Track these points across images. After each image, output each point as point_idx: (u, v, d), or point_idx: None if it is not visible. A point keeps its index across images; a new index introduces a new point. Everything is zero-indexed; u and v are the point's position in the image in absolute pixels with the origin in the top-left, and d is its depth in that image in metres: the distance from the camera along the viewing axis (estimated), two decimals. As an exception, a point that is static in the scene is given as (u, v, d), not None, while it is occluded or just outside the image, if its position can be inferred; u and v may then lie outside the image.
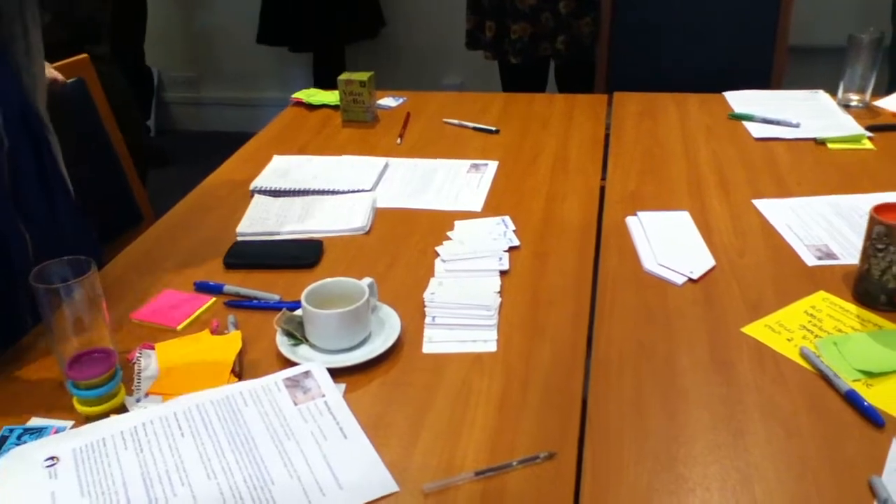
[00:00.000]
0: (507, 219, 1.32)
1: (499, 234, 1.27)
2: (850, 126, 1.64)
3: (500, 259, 1.20)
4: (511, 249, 1.23)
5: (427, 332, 1.04)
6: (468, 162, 1.55)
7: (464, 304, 1.06)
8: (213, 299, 1.13)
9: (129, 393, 0.95)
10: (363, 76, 1.73)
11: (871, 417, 0.87)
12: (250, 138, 1.69)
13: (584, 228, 1.30)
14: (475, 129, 1.71)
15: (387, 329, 1.03)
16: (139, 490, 0.80)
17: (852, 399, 0.89)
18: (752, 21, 2.29)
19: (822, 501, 0.77)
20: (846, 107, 1.75)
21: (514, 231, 1.28)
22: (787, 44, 2.29)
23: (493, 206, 1.38)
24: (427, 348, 1.02)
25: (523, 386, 0.94)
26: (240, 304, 1.12)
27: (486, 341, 1.03)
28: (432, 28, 3.23)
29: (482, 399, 0.93)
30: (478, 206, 1.38)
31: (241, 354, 1.01)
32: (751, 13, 2.28)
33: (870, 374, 0.93)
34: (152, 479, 0.81)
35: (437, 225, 1.31)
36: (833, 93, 1.79)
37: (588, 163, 1.54)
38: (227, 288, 1.15)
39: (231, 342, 1.03)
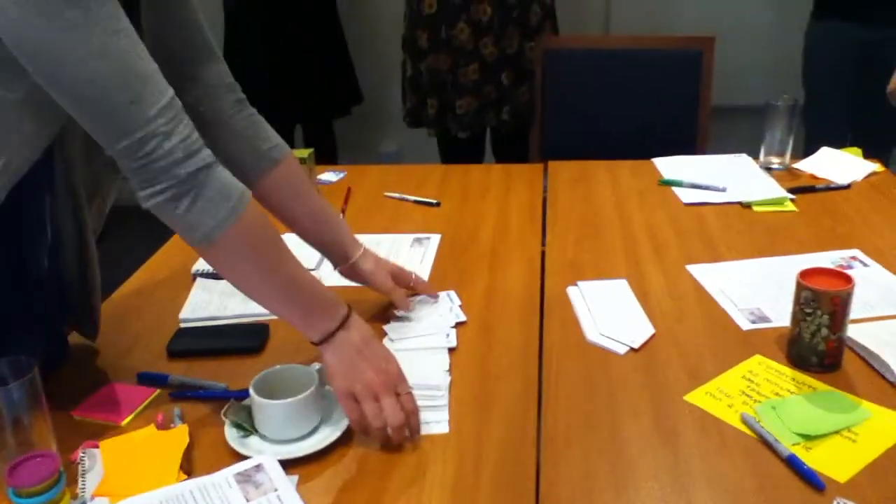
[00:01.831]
0: (453, 293, 1.34)
1: (445, 309, 1.29)
2: (773, 189, 1.72)
3: (448, 336, 1.21)
4: (458, 325, 1.25)
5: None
6: (411, 236, 1.57)
7: (414, 385, 1.06)
8: (158, 391, 1.12)
9: (74, 497, 0.92)
10: (303, 153, 1.75)
11: (812, 481, 0.90)
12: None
13: (527, 299, 1.33)
14: (416, 201, 1.74)
15: (337, 415, 1.03)
16: None
17: (793, 463, 0.93)
18: (675, 85, 2.39)
19: (772, 570, 0.79)
20: (768, 169, 1.84)
21: (459, 306, 1.30)
22: (709, 104, 2.40)
23: (437, 280, 1.40)
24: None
25: (476, 467, 0.95)
26: (185, 394, 1.11)
27: (437, 422, 1.03)
28: (368, 97, 3.27)
29: (437, 482, 0.93)
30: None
31: (188, 449, 0.99)
32: (673, 77, 2.39)
33: (808, 437, 0.97)
34: (101, 589, 0.79)
35: (383, 301, 1.31)
36: (756, 150, 1.88)
37: (528, 231, 1.58)
38: (172, 378, 1.14)
39: (178, 437, 1.01)
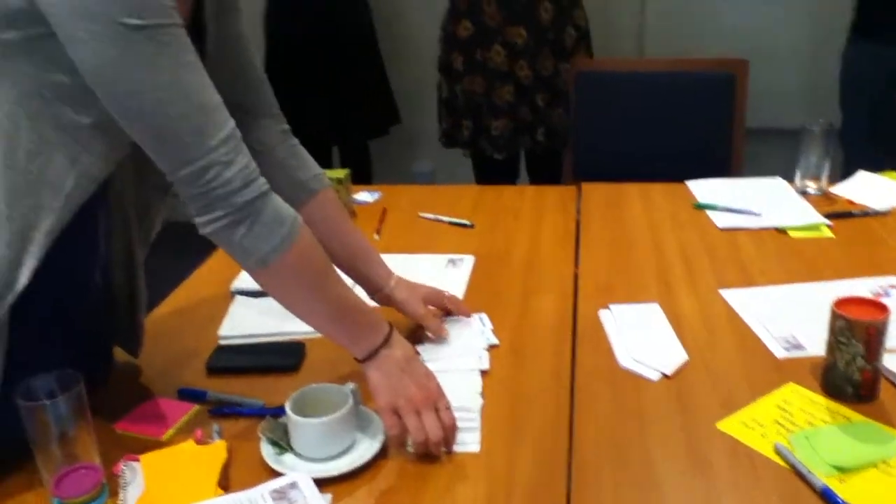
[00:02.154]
0: (485, 316, 1.35)
1: (477, 332, 1.30)
2: (809, 214, 1.71)
3: (481, 358, 1.22)
4: (490, 347, 1.26)
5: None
6: (445, 257, 1.59)
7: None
8: (197, 407, 1.14)
9: (115, 509, 0.95)
10: (340, 173, 1.78)
11: (846, 513, 0.90)
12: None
13: (559, 322, 1.34)
14: (450, 223, 1.76)
15: (370, 434, 1.04)
16: None
17: (827, 496, 0.92)
18: (709, 107, 2.39)
19: None
20: (804, 193, 1.83)
21: (491, 330, 1.31)
22: (743, 127, 2.39)
23: (470, 302, 1.40)
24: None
25: (507, 491, 0.96)
26: (223, 410, 1.13)
27: (469, 444, 1.04)
28: (403, 117, 3.31)
29: (468, 505, 0.94)
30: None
31: (226, 464, 1.02)
32: (707, 100, 2.39)
33: (842, 470, 0.96)
34: None
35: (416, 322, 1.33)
36: (791, 173, 1.87)
37: (561, 254, 1.59)
38: (211, 394, 1.16)
39: (215, 452, 1.03)
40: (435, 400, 1.05)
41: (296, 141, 1.26)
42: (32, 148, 0.92)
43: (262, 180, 0.98)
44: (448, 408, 1.06)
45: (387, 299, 1.29)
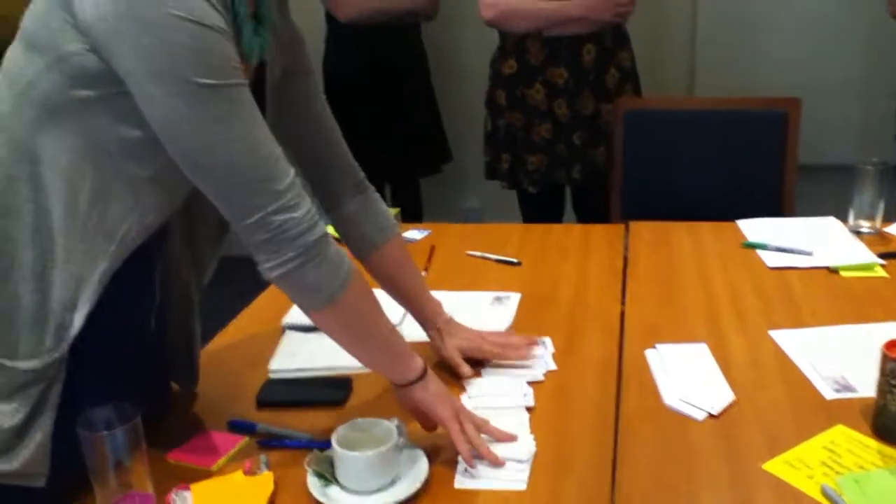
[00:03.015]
0: (548, 340, 1.40)
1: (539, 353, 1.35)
2: (862, 254, 1.68)
3: (525, 395, 1.23)
4: (533, 383, 1.27)
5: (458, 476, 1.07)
6: (491, 294, 1.61)
7: (502, 455, 1.08)
8: (247, 438, 1.17)
9: (166, 536, 0.98)
10: (391, 212, 1.81)
11: (896, 560, 0.88)
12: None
13: (605, 360, 1.34)
14: (497, 260, 1.78)
15: (414, 470, 1.06)
16: None
17: (876, 540, 0.90)
18: (759, 145, 2.38)
19: None
20: (857, 233, 1.80)
21: (552, 354, 1.36)
22: (795, 166, 2.37)
23: (515, 340, 1.42)
24: (459, 483, 1.05)
25: (549, 528, 0.96)
26: (272, 443, 1.16)
27: (517, 481, 1.05)
28: (454, 155, 3.36)
29: (509, 542, 0.95)
30: (502, 341, 1.42)
31: (273, 495, 1.04)
32: (757, 138, 2.38)
33: (892, 514, 0.95)
34: None
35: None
36: (844, 210, 1.84)
37: (607, 292, 1.59)
38: (260, 427, 1.19)
39: (263, 483, 1.06)
40: (467, 409, 1.14)
41: (369, 192, 1.32)
42: (93, 197, 0.97)
43: (323, 222, 1.03)
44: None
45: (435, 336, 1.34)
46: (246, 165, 0.95)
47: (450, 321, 1.35)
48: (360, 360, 1.14)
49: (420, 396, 1.12)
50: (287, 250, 0.98)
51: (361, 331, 1.10)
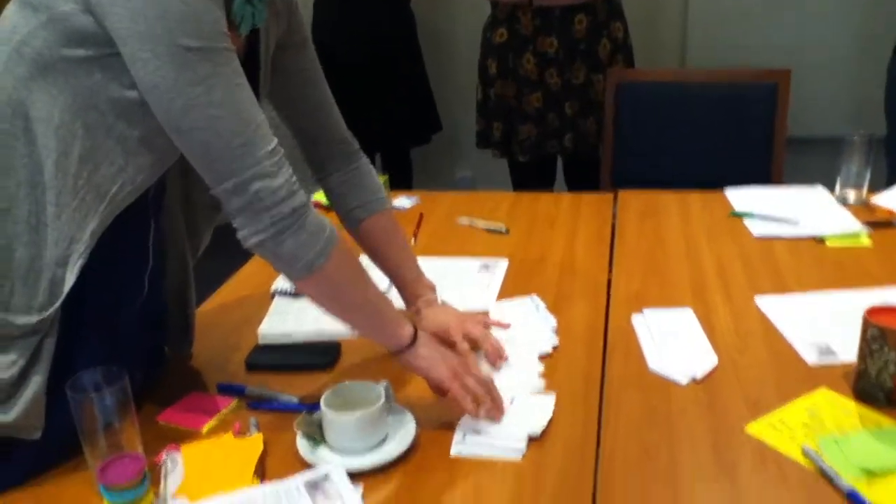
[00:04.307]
0: (537, 297, 1.43)
1: (530, 311, 1.37)
2: (848, 223, 1.69)
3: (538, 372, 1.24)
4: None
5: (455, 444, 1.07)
6: (479, 261, 1.61)
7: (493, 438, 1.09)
8: (236, 401, 1.18)
9: (157, 495, 0.99)
10: (379, 179, 1.81)
11: (872, 517, 0.90)
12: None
13: (591, 327, 1.35)
14: (486, 228, 1.79)
15: (402, 430, 1.07)
16: None
17: (853, 499, 0.92)
18: (749, 116, 2.38)
19: None
20: (844, 203, 1.82)
21: (546, 308, 1.39)
22: (784, 136, 2.37)
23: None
24: (455, 451, 1.06)
25: (535, 490, 0.98)
26: (261, 405, 1.17)
27: (514, 450, 1.05)
28: (445, 124, 3.35)
29: (494, 502, 0.96)
30: (489, 306, 1.43)
31: (262, 456, 1.05)
32: (747, 110, 2.38)
33: (870, 473, 0.96)
34: (179, 582, 0.85)
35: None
36: (832, 183, 1.85)
37: (595, 260, 1.60)
38: (249, 390, 1.20)
39: (253, 444, 1.07)
40: (469, 363, 1.15)
41: (362, 163, 1.32)
42: (84, 155, 0.98)
43: (303, 192, 1.02)
44: (477, 368, 1.16)
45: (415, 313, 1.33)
46: (226, 130, 0.95)
47: (430, 302, 1.32)
48: (347, 326, 1.15)
49: (414, 364, 1.13)
50: (263, 218, 0.98)
51: (345, 300, 1.09)
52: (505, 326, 1.35)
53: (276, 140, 1.00)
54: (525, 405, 1.13)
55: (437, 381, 1.12)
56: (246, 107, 0.98)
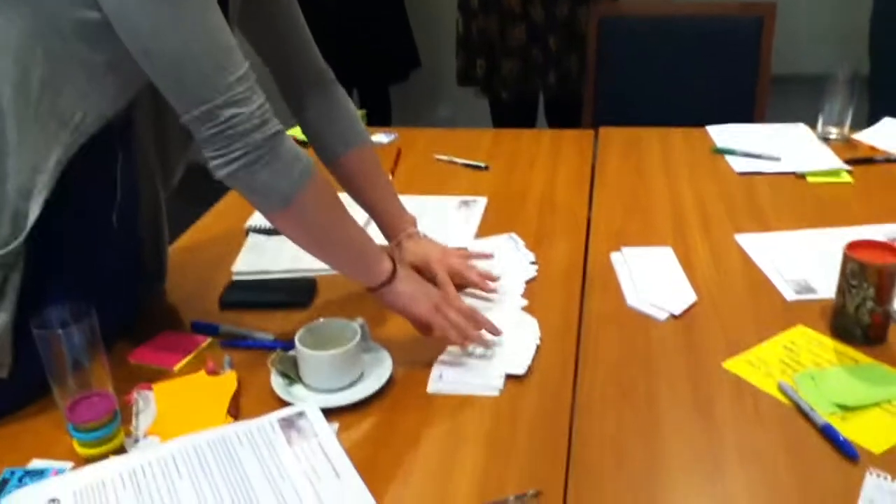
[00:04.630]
0: (515, 235, 1.41)
1: (509, 248, 1.36)
2: (829, 160, 1.68)
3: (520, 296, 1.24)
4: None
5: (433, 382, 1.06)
6: (458, 198, 1.59)
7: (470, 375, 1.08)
8: (210, 339, 1.16)
9: (128, 434, 0.98)
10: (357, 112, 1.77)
11: (846, 451, 0.90)
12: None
13: (570, 265, 1.34)
14: (465, 165, 1.76)
15: (378, 368, 1.06)
16: (138, 531, 0.83)
17: (828, 433, 0.93)
18: (734, 53, 2.34)
19: (798, 535, 0.80)
20: (826, 140, 1.80)
21: (525, 245, 1.38)
22: (769, 74, 2.34)
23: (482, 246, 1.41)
24: (432, 388, 1.05)
25: (512, 425, 0.98)
26: (235, 343, 1.15)
27: (491, 388, 1.05)
28: (424, 63, 3.28)
29: (471, 438, 0.96)
30: (467, 244, 1.41)
31: (236, 394, 1.04)
32: (732, 46, 2.34)
33: (845, 408, 0.97)
34: (151, 520, 0.84)
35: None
36: (814, 121, 1.84)
37: (575, 199, 1.58)
38: (223, 328, 1.18)
39: (226, 383, 1.05)
40: (451, 296, 1.14)
41: (338, 94, 1.27)
42: (45, 79, 0.94)
43: (276, 120, 0.98)
44: (459, 299, 1.15)
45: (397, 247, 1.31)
46: (196, 53, 0.91)
47: (411, 236, 1.29)
48: (325, 263, 1.12)
49: (393, 300, 1.10)
50: (235, 147, 0.94)
51: (321, 235, 1.06)
52: (487, 257, 1.34)
53: (247, 64, 0.96)
54: (509, 341, 1.12)
55: (418, 318, 1.10)
56: (216, 30, 0.93)
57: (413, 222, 1.32)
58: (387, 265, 1.10)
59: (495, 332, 1.11)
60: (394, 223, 1.30)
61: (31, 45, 0.92)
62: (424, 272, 1.21)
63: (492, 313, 1.17)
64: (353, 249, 1.09)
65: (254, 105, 0.95)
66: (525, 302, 1.23)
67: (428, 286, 1.13)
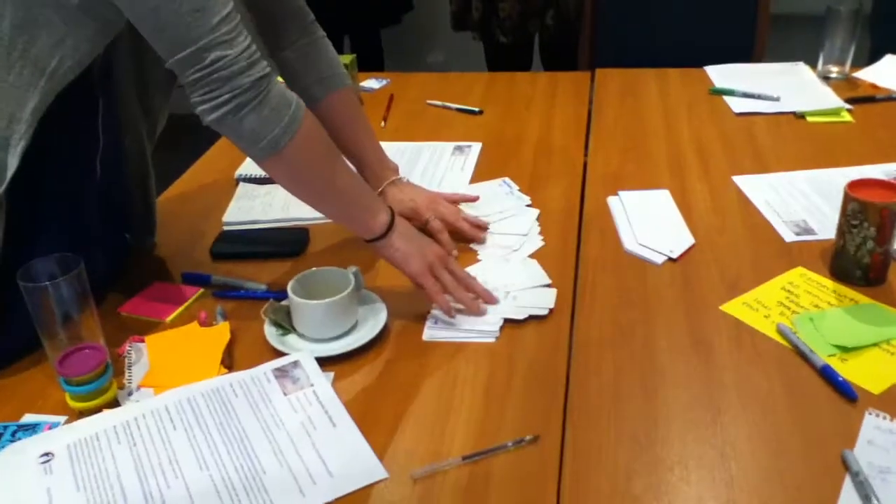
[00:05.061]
0: (508, 180, 1.39)
1: (503, 193, 1.34)
2: (829, 99, 1.65)
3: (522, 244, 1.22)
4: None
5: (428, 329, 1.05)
6: (452, 144, 1.56)
7: (466, 322, 1.06)
8: (201, 290, 1.15)
9: (121, 386, 0.97)
10: (345, 59, 1.73)
11: (845, 392, 0.89)
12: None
13: (566, 209, 1.32)
14: (458, 110, 1.72)
15: (372, 317, 1.05)
16: (133, 484, 0.82)
17: (827, 374, 0.92)
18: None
19: (796, 476, 0.80)
20: (826, 79, 1.77)
21: (519, 190, 1.36)
22: (768, 14, 2.29)
23: (477, 190, 1.39)
24: (427, 335, 1.04)
25: (508, 370, 0.97)
26: (227, 294, 1.14)
27: (488, 333, 1.04)
28: (417, 4, 3.21)
29: (468, 385, 0.95)
30: (462, 190, 1.39)
31: (230, 345, 1.03)
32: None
33: (844, 349, 0.96)
34: (146, 472, 0.84)
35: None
36: (814, 62, 1.80)
37: (571, 142, 1.55)
38: (215, 279, 1.17)
39: (220, 333, 1.04)
40: (448, 257, 1.11)
41: (318, 35, 1.23)
42: (17, 23, 0.91)
43: (265, 62, 0.95)
44: (457, 260, 1.13)
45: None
46: None
47: (395, 183, 1.26)
48: (319, 212, 1.10)
49: (388, 255, 1.08)
50: (222, 91, 0.91)
51: (314, 183, 1.03)
52: (473, 199, 1.32)
53: (231, 4, 0.92)
54: (519, 286, 1.11)
55: (410, 276, 1.08)
56: None
57: (396, 170, 1.28)
58: (383, 218, 1.07)
59: (490, 300, 1.08)
60: (376, 171, 1.26)
61: None
62: (414, 220, 1.19)
63: (494, 261, 1.16)
64: (347, 199, 1.06)
65: (239, 47, 0.91)
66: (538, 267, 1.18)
67: (425, 241, 1.11)
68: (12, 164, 0.93)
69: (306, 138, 0.99)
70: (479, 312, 1.06)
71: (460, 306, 1.06)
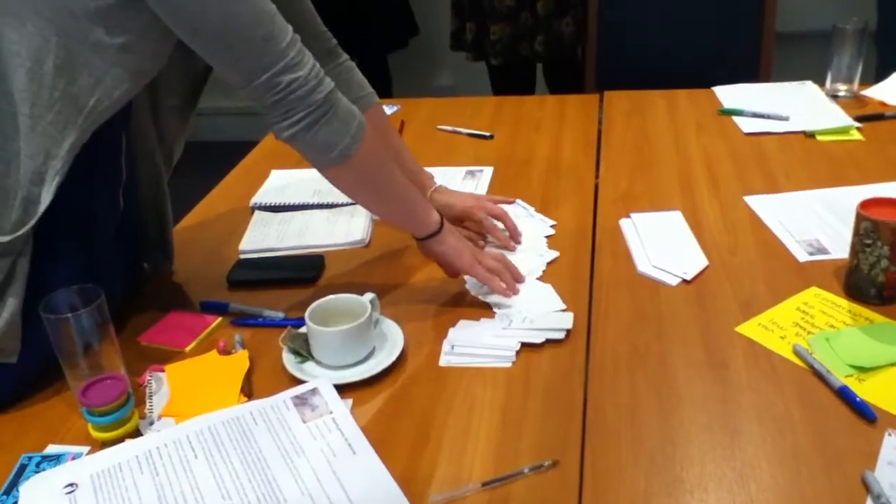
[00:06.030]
0: (521, 202, 1.43)
1: (524, 216, 1.38)
2: (838, 117, 1.66)
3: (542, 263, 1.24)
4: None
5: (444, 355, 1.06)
6: (463, 169, 1.57)
7: (482, 347, 1.07)
8: (219, 319, 1.16)
9: (143, 416, 0.98)
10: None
11: (864, 412, 0.89)
12: (250, 148, 1.72)
13: (579, 231, 1.33)
14: (469, 134, 1.74)
15: (389, 343, 1.06)
16: (157, 513, 0.83)
17: (845, 395, 0.92)
18: (737, 11, 2.30)
19: (817, 497, 0.80)
20: (834, 97, 1.77)
21: (535, 210, 1.39)
22: (773, 32, 2.31)
23: (489, 213, 1.40)
24: (444, 361, 1.04)
25: (525, 394, 0.97)
26: (245, 322, 1.15)
27: (503, 359, 1.04)
28: (422, 30, 3.24)
29: (486, 409, 0.95)
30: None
31: (248, 373, 1.04)
32: (737, 3, 2.30)
33: (861, 369, 0.96)
34: (168, 501, 0.84)
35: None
36: (822, 79, 1.81)
37: (581, 164, 1.56)
38: (233, 306, 1.18)
39: (238, 361, 1.05)
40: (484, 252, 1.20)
41: (344, 59, 1.28)
42: (59, 63, 0.93)
43: (329, 78, 1.00)
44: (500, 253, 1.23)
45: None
46: (246, 25, 0.92)
47: (437, 189, 1.33)
48: (378, 214, 1.19)
49: (439, 250, 1.14)
50: (298, 110, 0.97)
51: (378, 185, 1.09)
52: (510, 202, 1.40)
53: (291, 28, 0.97)
54: (536, 310, 1.13)
55: (460, 270, 1.15)
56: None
57: (433, 178, 1.35)
58: (436, 216, 1.14)
59: (520, 278, 1.18)
60: (417, 181, 1.30)
61: (45, 28, 0.92)
62: (466, 220, 1.29)
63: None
64: (404, 199, 1.13)
65: (307, 67, 0.97)
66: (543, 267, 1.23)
67: (465, 240, 1.18)
68: (46, 199, 0.95)
69: (369, 146, 1.05)
70: (516, 291, 1.16)
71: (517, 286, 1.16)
